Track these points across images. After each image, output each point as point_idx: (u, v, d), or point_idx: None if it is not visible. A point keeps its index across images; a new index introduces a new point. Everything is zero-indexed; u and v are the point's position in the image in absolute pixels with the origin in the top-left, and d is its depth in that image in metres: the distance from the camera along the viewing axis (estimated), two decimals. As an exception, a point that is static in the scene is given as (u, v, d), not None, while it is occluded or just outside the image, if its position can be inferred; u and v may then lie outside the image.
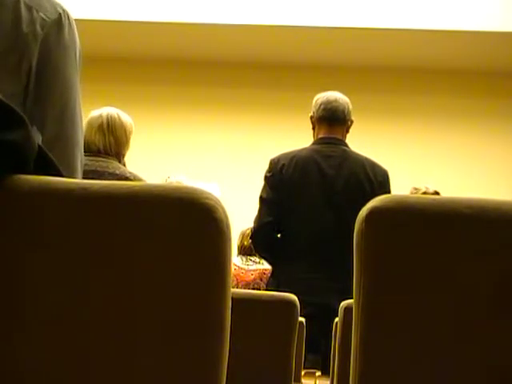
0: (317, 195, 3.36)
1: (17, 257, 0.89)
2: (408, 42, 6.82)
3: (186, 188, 0.89)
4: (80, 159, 2.10)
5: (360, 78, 7.28)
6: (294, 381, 2.15)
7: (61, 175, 0.95)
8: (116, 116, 3.18)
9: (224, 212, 0.88)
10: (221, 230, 0.87)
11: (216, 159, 7.42)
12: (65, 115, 2.04)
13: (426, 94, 7.46)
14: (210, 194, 0.88)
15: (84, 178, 1.83)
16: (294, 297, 2.12)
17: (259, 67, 7.49)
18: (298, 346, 2.28)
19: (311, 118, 3.58)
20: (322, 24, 6.64)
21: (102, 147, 3.09)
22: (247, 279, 4.38)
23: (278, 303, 2.11)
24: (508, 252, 0.95)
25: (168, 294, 0.87)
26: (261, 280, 4.34)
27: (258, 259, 4.43)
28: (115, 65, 7.40)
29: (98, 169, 3.02)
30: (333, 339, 2.38)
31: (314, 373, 3.05)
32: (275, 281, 3.42)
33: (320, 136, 3.52)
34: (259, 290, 4.12)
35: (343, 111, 3.51)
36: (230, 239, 0.88)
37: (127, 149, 3.21)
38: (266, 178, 3.47)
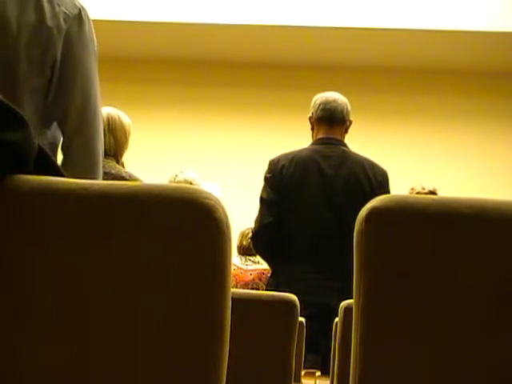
0: (317, 195, 3.37)
1: (17, 257, 0.89)
2: (408, 42, 6.82)
3: (186, 188, 0.89)
4: (101, 149, 2.12)
5: (360, 78, 7.28)
6: (294, 381, 2.15)
7: (61, 175, 0.95)
8: (116, 116, 3.18)
9: (224, 212, 0.88)
10: (221, 229, 0.87)
11: (216, 159, 7.42)
12: (86, 107, 2.06)
13: (426, 94, 7.46)
14: (210, 193, 0.88)
15: None
16: (293, 297, 2.12)
17: (259, 67, 7.49)
18: (298, 346, 2.28)
19: (310, 118, 3.58)
20: (322, 24, 6.65)
21: None
22: (246, 279, 4.38)
23: (278, 303, 2.11)
24: (508, 252, 0.95)
25: (168, 294, 0.87)
26: (260, 280, 4.34)
27: (256, 259, 4.43)
28: (115, 65, 7.39)
29: None
30: (333, 339, 2.38)
31: (314, 373, 3.05)
32: (275, 281, 3.41)
33: (319, 136, 3.52)
34: (258, 290, 4.12)
35: (342, 111, 3.51)
36: (229, 239, 0.88)
37: (126, 149, 3.21)
38: (266, 179, 3.47)
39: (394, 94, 7.49)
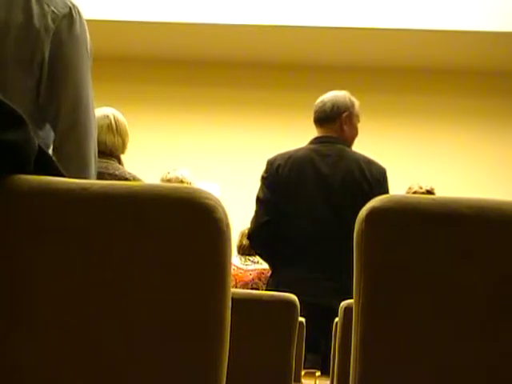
0: (314, 194, 3.36)
1: (17, 257, 0.89)
2: (408, 41, 6.82)
3: (186, 188, 0.89)
4: (94, 149, 2.11)
5: (360, 78, 7.28)
6: (294, 381, 2.15)
7: (61, 175, 0.95)
8: (120, 117, 3.19)
9: (224, 212, 0.88)
10: (221, 229, 0.87)
11: (216, 159, 7.42)
12: (78, 106, 2.05)
13: (426, 93, 7.46)
14: (210, 193, 0.88)
15: None
16: (294, 297, 2.12)
17: (259, 67, 7.49)
18: (298, 346, 2.28)
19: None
20: (322, 24, 6.65)
21: (110, 147, 3.08)
22: (246, 279, 4.38)
23: (278, 303, 2.10)
24: (508, 252, 0.95)
25: (168, 294, 0.87)
26: (259, 280, 4.34)
27: (256, 259, 4.43)
28: (115, 65, 7.40)
29: (98, 170, 3.01)
30: (333, 339, 2.38)
31: (314, 373, 3.05)
32: (274, 281, 3.42)
33: (316, 136, 3.53)
34: (258, 289, 4.12)
35: (331, 108, 3.48)
36: (229, 239, 0.88)
37: (126, 149, 3.21)
38: (263, 179, 3.47)
39: (394, 93, 7.49)
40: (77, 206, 0.89)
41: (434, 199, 0.97)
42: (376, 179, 3.37)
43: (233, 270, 4.29)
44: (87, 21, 2.09)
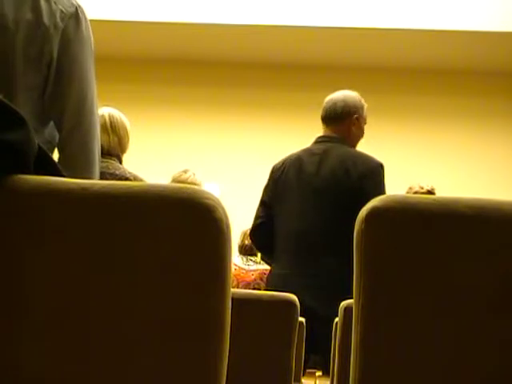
0: (298, 194, 3.38)
1: (17, 257, 0.89)
2: (408, 41, 6.82)
3: (186, 188, 0.89)
4: (98, 148, 2.12)
5: (360, 78, 7.27)
6: (294, 381, 2.15)
7: (61, 175, 0.95)
8: (117, 116, 3.18)
9: (224, 212, 0.88)
10: (221, 229, 0.87)
11: (216, 159, 7.42)
12: (83, 106, 2.06)
13: (426, 94, 7.46)
14: (210, 193, 0.88)
15: None
16: (294, 297, 2.12)
17: (259, 67, 7.49)
18: (298, 346, 2.28)
19: None
20: (322, 24, 6.65)
21: (106, 147, 3.07)
22: (248, 279, 4.38)
23: (278, 303, 2.11)
24: (508, 252, 0.95)
25: (168, 294, 0.87)
26: (261, 280, 4.34)
27: (258, 259, 4.43)
28: (115, 65, 7.40)
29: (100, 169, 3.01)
30: (333, 339, 2.38)
31: (315, 373, 3.05)
32: (267, 280, 3.54)
33: (318, 136, 3.53)
34: (260, 290, 4.12)
35: (342, 108, 3.46)
36: (229, 239, 0.88)
37: (127, 148, 3.21)
38: (267, 182, 3.54)
39: (394, 93, 7.49)
40: (77, 205, 0.89)
41: (434, 199, 0.97)
42: (360, 172, 3.29)
43: (234, 270, 4.30)
44: (87, 21, 2.10)
